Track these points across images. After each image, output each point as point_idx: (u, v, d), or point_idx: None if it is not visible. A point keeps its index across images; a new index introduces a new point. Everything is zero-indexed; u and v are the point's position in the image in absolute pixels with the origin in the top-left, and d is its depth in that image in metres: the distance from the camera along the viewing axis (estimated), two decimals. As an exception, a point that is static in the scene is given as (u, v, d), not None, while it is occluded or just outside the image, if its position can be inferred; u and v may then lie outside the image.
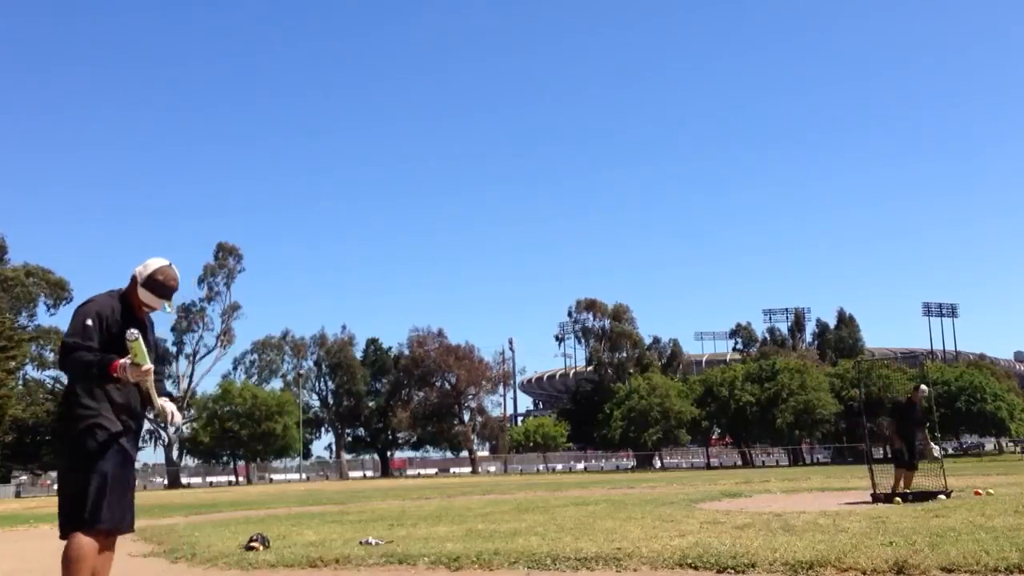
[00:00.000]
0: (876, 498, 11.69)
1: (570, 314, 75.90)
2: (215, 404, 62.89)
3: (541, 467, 67.71)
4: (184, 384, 65.64)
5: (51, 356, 55.17)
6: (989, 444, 71.80)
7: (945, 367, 70.46)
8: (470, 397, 70.13)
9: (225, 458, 66.77)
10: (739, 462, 65.61)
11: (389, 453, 75.22)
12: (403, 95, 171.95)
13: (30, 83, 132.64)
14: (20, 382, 54.39)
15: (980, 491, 12.57)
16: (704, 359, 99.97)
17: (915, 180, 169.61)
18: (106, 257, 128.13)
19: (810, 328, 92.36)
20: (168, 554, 8.41)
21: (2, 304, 51.94)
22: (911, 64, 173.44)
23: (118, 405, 4.23)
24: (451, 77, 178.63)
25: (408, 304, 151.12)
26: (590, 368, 78.07)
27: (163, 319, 66.84)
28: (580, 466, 73.39)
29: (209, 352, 66.37)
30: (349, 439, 73.58)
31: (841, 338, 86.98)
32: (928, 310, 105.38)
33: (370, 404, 72.20)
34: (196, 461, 69.12)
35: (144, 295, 4.33)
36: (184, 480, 65.00)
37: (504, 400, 79.77)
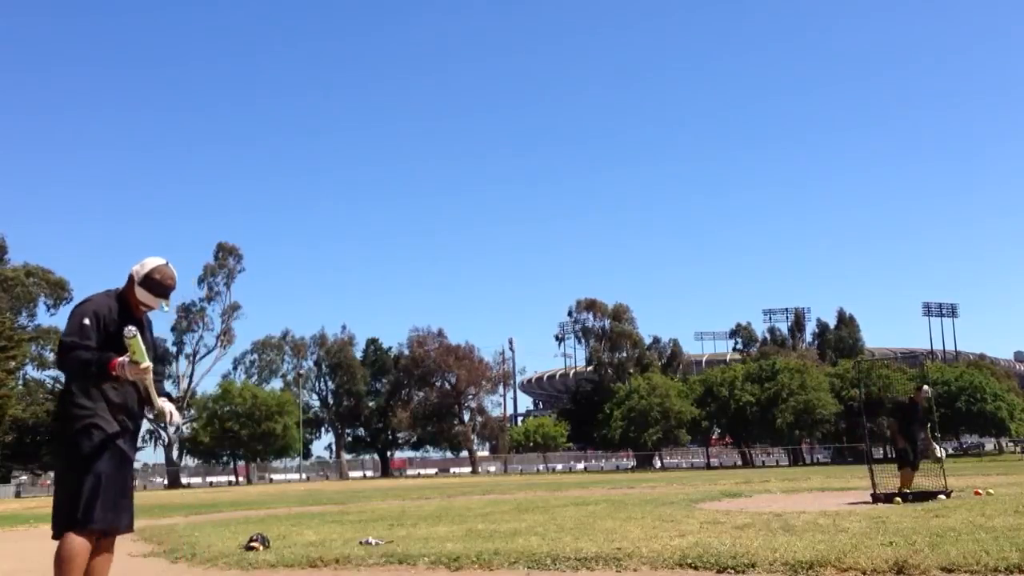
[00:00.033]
0: (876, 498, 11.69)
1: (570, 314, 76.03)
2: (215, 404, 62.89)
3: (541, 467, 67.72)
4: (184, 384, 65.70)
5: (51, 356, 55.10)
6: (989, 444, 71.77)
7: (945, 367, 70.46)
8: (470, 397, 70.16)
9: (225, 458, 66.77)
10: (739, 462, 65.61)
11: (389, 453, 75.22)
12: (403, 95, 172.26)
13: (30, 83, 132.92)
14: (20, 382, 54.40)
15: (980, 491, 12.56)
16: (704, 359, 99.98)
17: (915, 180, 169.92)
18: (106, 257, 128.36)
19: (810, 328, 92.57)
20: (168, 554, 8.40)
21: (2, 304, 51.94)
22: (911, 64, 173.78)
23: (115, 405, 4.22)
24: (451, 77, 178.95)
25: (408, 304, 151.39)
26: (590, 368, 78.08)
27: (163, 319, 67.01)
28: (580, 466, 73.39)
29: (209, 352, 66.52)
30: (349, 439, 73.58)
31: (841, 338, 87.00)
32: (928, 310, 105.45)
33: (370, 404, 72.21)
34: (196, 461, 69.13)
35: (141, 294, 4.32)
36: (184, 480, 65.00)
37: (504, 400, 79.92)
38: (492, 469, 70.22)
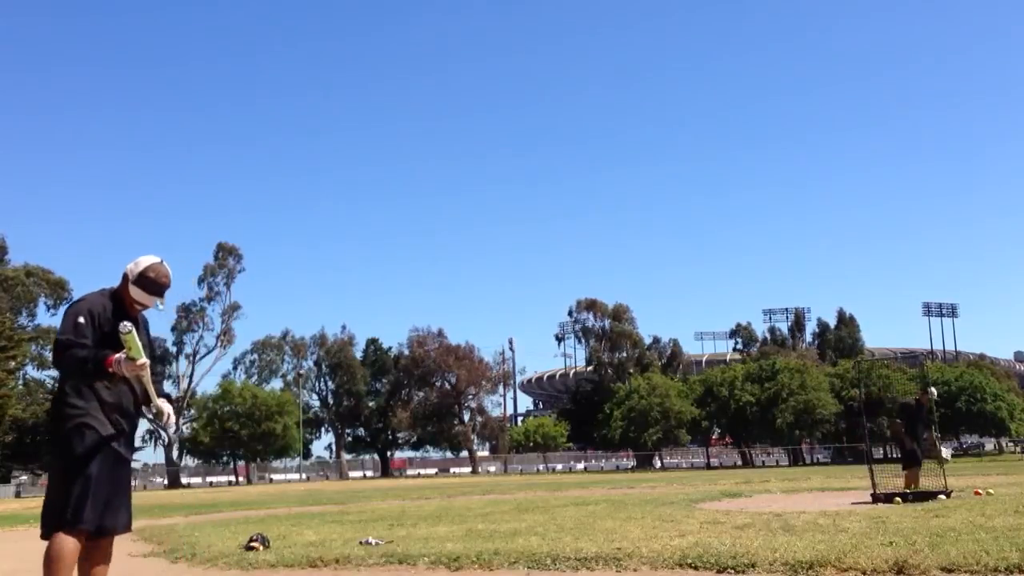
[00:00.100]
0: (876, 498, 11.69)
1: (570, 314, 76.07)
2: (215, 404, 62.91)
3: (541, 467, 67.73)
4: (184, 384, 65.77)
5: (51, 356, 55.11)
6: (989, 444, 71.80)
7: (945, 367, 70.49)
8: (470, 397, 70.17)
9: (225, 458, 66.79)
10: (739, 462, 65.61)
11: (389, 453, 75.24)
12: (403, 95, 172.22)
13: (30, 83, 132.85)
14: (20, 382, 54.41)
15: (980, 491, 12.57)
16: (704, 359, 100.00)
17: (915, 180, 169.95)
18: (106, 257, 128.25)
19: (810, 328, 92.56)
20: (168, 554, 8.40)
21: (2, 304, 51.95)
22: (911, 64, 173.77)
23: (108, 404, 4.20)
24: (451, 77, 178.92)
25: (408, 304, 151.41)
26: (590, 368, 78.08)
27: (163, 319, 67.06)
28: (580, 466, 73.40)
29: (209, 352, 66.53)
30: (349, 439, 73.59)
31: (841, 338, 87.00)
32: (928, 310, 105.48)
33: (370, 404, 72.22)
34: (196, 461, 69.13)
35: (136, 293, 4.31)
36: (184, 480, 65.02)
37: (504, 400, 79.97)
38: (492, 469, 70.23)
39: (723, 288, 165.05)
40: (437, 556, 6.80)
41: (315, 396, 73.00)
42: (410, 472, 74.53)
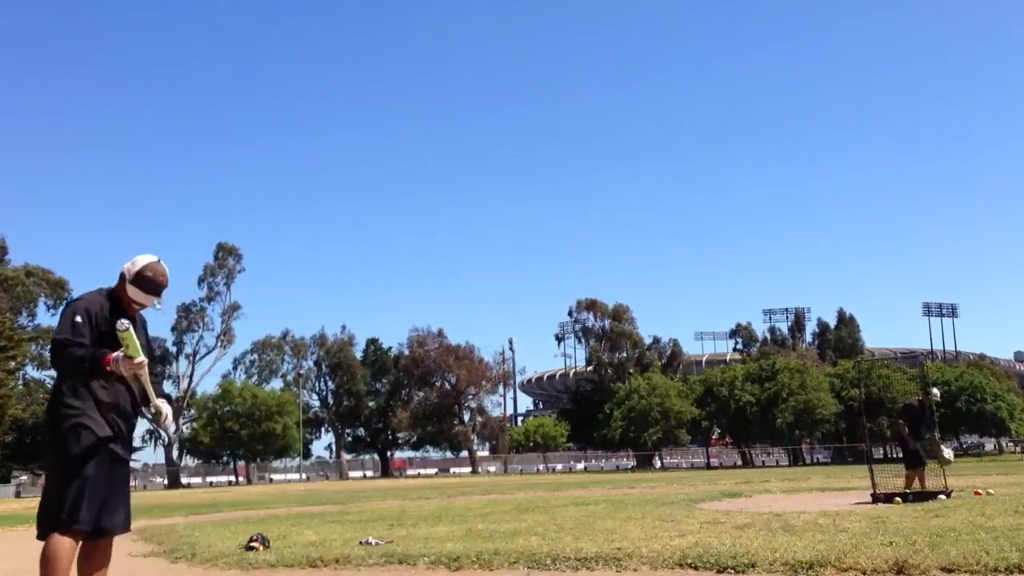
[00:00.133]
0: (876, 498, 11.69)
1: (570, 314, 76.08)
2: (215, 404, 62.91)
3: (541, 467, 67.73)
4: (184, 384, 65.77)
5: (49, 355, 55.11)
6: (989, 444, 71.81)
7: (945, 367, 70.48)
8: (470, 397, 70.18)
9: (225, 458, 66.79)
10: (739, 462, 65.61)
11: (389, 453, 75.23)
12: (403, 95, 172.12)
13: (30, 83, 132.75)
14: (20, 382, 54.42)
15: (980, 491, 12.56)
16: (704, 359, 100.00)
17: (915, 180, 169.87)
18: (106, 257, 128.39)
19: (810, 328, 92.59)
20: (168, 554, 8.40)
21: (2, 304, 51.95)
22: (911, 64, 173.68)
23: (105, 404, 4.19)
24: (451, 77, 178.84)
25: (408, 304, 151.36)
26: (590, 368, 78.09)
27: (163, 319, 67.07)
28: (580, 466, 73.39)
29: (209, 352, 66.53)
30: (349, 439, 73.59)
31: (841, 338, 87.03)
32: (928, 310, 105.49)
33: (370, 404, 72.22)
34: (196, 461, 69.12)
35: (133, 292, 4.31)
36: (184, 480, 65.02)
37: (504, 400, 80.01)
38: (492, 469, 70.23)
39: (723, 288, 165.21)
40: (437, 556, 6.80)
41: (315, 396, 73.11)
42: (410, 472, 74.52)
